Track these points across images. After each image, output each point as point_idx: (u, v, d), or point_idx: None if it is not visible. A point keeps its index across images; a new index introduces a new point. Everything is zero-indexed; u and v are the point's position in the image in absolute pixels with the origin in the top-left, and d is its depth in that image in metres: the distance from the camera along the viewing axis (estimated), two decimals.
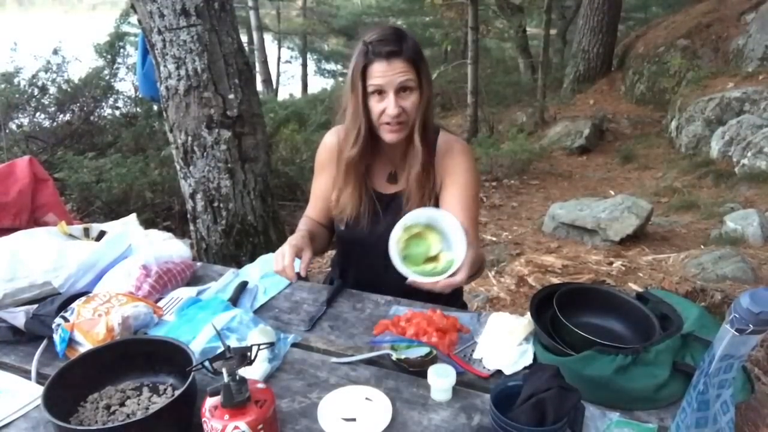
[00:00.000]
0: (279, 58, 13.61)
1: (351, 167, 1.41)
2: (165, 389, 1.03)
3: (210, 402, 0.86)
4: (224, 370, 0.84)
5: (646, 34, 8.68)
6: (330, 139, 1.52)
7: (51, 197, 1.78)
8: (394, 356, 1.10)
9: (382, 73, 1.29)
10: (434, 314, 1.23)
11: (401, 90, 1.30)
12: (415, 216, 1.17)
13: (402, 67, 1.28)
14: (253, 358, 0.88)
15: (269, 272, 1.49)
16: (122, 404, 1.00)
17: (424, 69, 1.33)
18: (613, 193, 5.12)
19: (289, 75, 14.12)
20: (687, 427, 0.85)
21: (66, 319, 1.15)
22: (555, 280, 3.08)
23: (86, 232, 1.59)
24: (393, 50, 1.28)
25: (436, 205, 1.42)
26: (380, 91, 1.31)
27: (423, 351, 1.09)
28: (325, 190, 1.54)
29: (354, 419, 0.97)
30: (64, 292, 1.32)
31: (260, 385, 0.91)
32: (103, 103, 5.32)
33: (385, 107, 1.31)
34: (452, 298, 1.58)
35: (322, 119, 6.80)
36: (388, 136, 1.36)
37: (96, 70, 5.27)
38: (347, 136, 1.40)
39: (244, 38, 7.40)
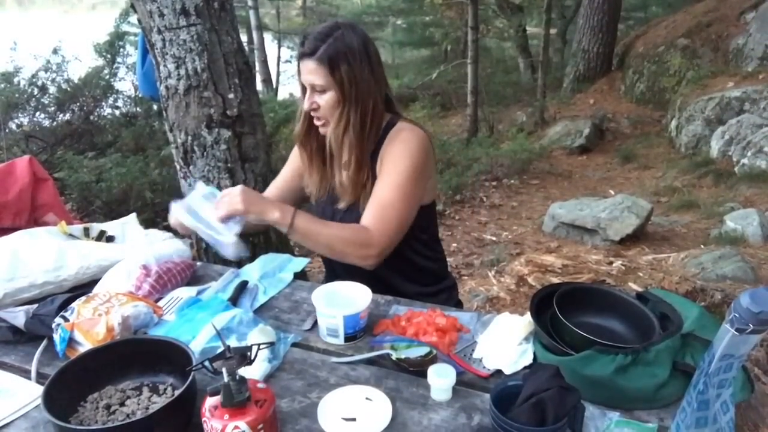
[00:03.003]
0: (279, 58, 13.59)
1: (299, 145, 1.52)
2: (165, 389, 1.03)
3: (210, 402, 0.86)
4: (224, 370, 0.84)
5: (646, 34, 8.68)
6: None
7: (51, 197, 1.78)
8: (394, 356, 1.10)
9: (300, 70, 1.38)
10: (434, 314, 1.23)
11: (314, 88, 1.37)
12: None
13: (310, 68, 1.34)
14: (253, 358, 0.88)
15: (269, 272, 1.50)
16: (122, 404, 1.00)
17: (346, 71, 1.33)
18: (613, 192, 5.12)
19: (289, 75, 14.08)
20: (687, 427, 0.85)
21: (66, 319, 1.15)
22: (555, 280, 3.08)
23: (86, 232, 1.59)
24: (304, 52, 1.34)
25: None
26: (303, 86, 1.40)
27: (423, 351, 1.09)
28: (280, 176, 1.67)
29: (354, 419, 0.96)
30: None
31: (260, 385, 0.91)
32: (103, 103, 5.31)
33: None
34: (441, 295, 1.59)
35: None
36: (319, 128, 1.45)
37: (96, 70, 5.27)
38: (297, 115, 1.49)
39: (244, 38, 7.40)
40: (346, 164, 1.43)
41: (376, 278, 1.40)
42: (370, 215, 1.39)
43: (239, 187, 1.32)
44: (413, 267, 1.53)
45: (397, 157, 1.40)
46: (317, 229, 1.35)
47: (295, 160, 1.63)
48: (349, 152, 1.41)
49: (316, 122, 1.43)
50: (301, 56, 1.36)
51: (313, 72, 1.34)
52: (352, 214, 1.45)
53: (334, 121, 1.39)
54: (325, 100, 1.37)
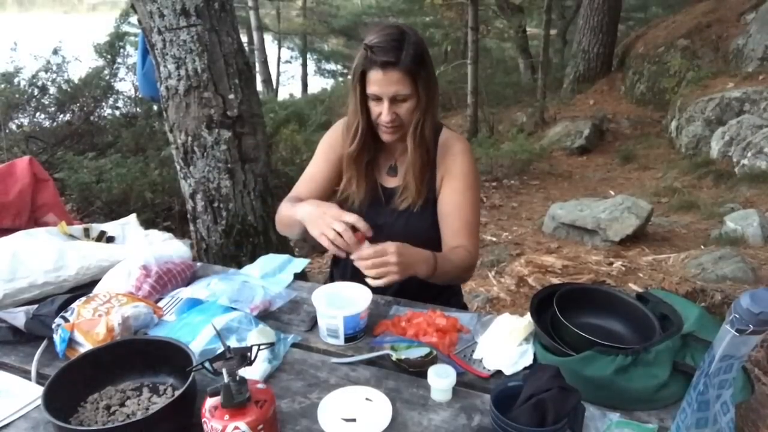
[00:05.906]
0: (279, 58, 13.60)
1: (351, 161, 1.46)
2: (165, 389, 1.03)
3: (210, 402, 0.86)
4: (224, 371, 0.84)
5: (646, 34, 8.67)
6: (340, 128, 1.53)
7: (51, 197, 1.78)
8: (394, 356, 1.10)
9: (377, 81, 1.30)
10: (434, 314, 1.23)
11: (395, 98, 1.32)
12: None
13: (397, 78, 1.29)
14: (253, 358, 0.88)
15: (269, 273, 1.50)
16: (122, 404, 1.00)
17: (424, 75, 1.33)
18: (613, 193, 5.12)
19: (289, 75, 14.12)
20: (687, 428, 0.85)
21: (66, 319, 1.15)
22: (555, 281, 3.08)
23: (86, 232, 1.59)
24: (389, 61, 1.28)
25: (434, 202, 1.46)
26: (377, 97, 1.33)
27: (423, 351, 1.09)
28: (317, 173, 1.55)
29: (354, 419, 0.96)
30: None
31: (260, 386, 0.91)
32: (103, 103, 5.31)
33: (381, 112, 1.34)
34: (452, 299, 1.59)
35: (322, 119, 6.80)
36: (384, 136, 1.41)
37: (96, 70, 5.27)
38: (348, 131, 1.44)
39: (244, 38, 7.40)
40: (414, 166, 1.41)
41: (402, 291, 1.42)
42: (461, 236, 1.41)
43: (395, 252, 1.20)
44: None
45: (463, 173, 1.44)
46: (451, 266, 1.35)
47: (325, 165, 1.54)
48: (419, 154, 1.41)
49: (387, 131, 1.38)
50: (384, 66, 1.28)
51: (398, 82, 1.29)
52: (404, 215, 1.46)
53: (413, 125, 1.37)
54: (406, 108, 1.34)
